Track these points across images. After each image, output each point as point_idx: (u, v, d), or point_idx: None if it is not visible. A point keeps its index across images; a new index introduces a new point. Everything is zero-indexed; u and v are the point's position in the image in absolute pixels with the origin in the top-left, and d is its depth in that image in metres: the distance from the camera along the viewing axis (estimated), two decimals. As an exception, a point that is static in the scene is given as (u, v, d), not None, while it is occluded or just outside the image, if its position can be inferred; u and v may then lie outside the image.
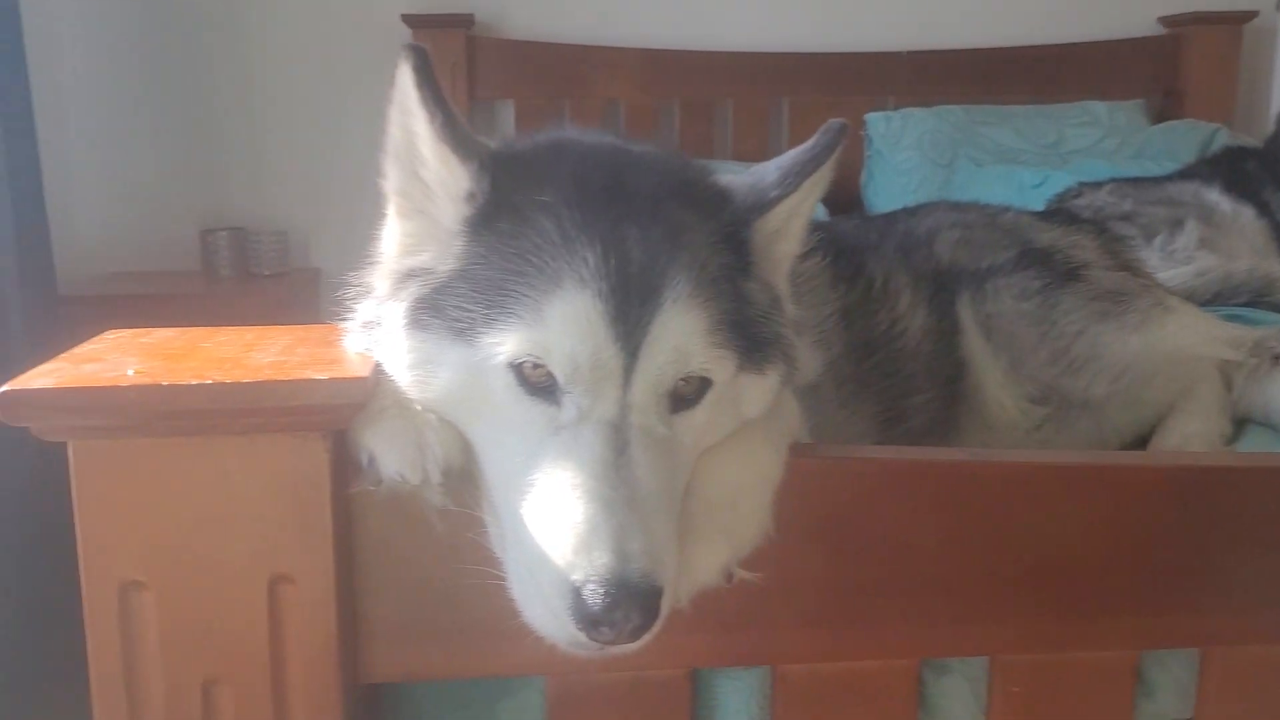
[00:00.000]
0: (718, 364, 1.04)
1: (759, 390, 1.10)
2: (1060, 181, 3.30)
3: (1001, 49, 4.07)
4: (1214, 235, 2.93)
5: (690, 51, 3.96)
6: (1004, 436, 1.73)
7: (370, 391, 1.03)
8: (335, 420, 1.01)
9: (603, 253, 1.00)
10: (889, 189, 3.73)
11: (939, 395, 1.70)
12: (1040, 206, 2.86)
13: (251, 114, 3.86)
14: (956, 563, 1.17)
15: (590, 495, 0.94)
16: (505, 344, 0.99)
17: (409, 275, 1.09)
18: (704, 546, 1.03)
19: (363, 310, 1.14)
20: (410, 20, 3.76)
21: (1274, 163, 3.31)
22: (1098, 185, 3.18)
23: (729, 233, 1.10)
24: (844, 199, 3.57)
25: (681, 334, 1.00)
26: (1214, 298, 2.52)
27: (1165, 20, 4.14)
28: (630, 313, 0.99)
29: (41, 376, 0.96)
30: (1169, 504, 1.21)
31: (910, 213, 1.99)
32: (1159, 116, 4.05)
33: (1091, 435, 1.78)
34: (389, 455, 1.01)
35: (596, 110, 3.91)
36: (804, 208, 1.17)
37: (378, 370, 1.06)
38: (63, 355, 1.05)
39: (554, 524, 0.95)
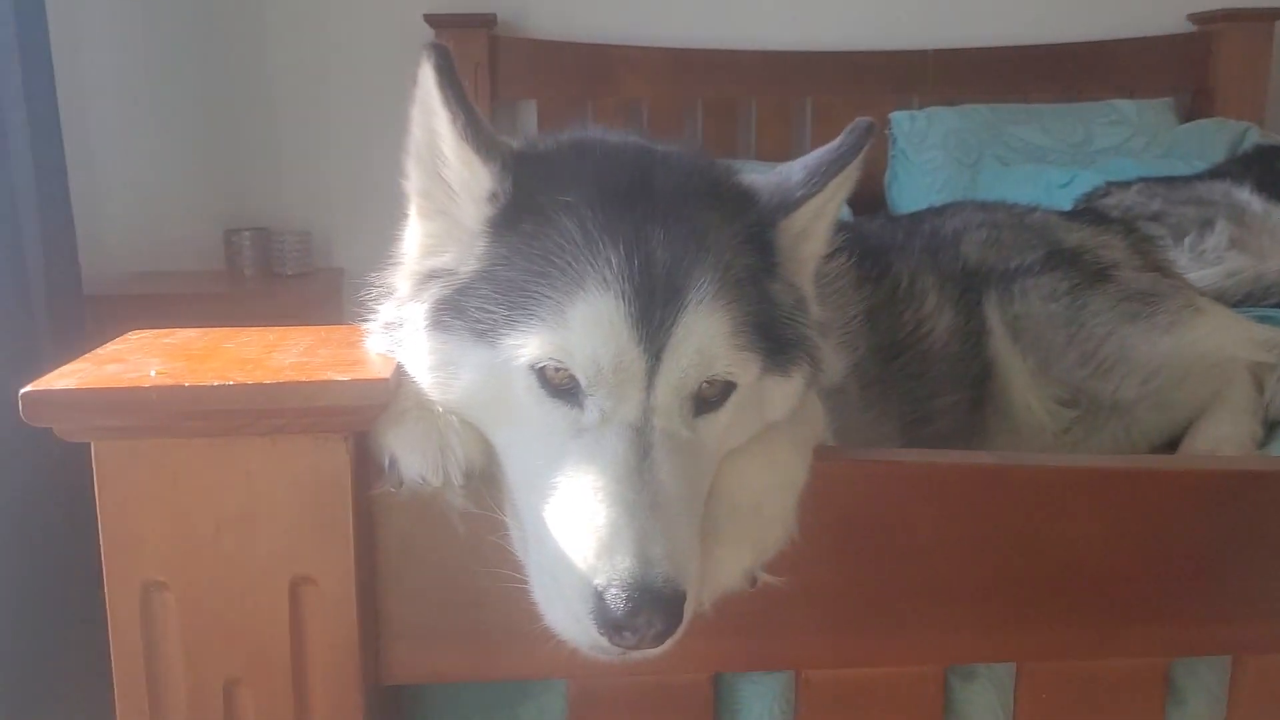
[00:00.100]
0: (742, 366, 1.02)
1: (783, 392, 1.09)
2: (1088, 181, 3.27)
3: (1028, 47, 4.04)
4: (1245, 235, 2.89)
5: (713, 50, 3.95)
6: (1031, 439, 1.71)
7: (392, 393, 1.02)
8: (357, 422, 1.00)
9: (626, 254, 0.99)
10: (913, 189, 3.70)
11: (965, 397, 1.69)
12: (1067, 206, 2.83)
13: (275, 114, 3.87)
14: (984, 568, 1.15)
15: (613, 499, 0.94)
16: (527, 346, 0.99)
17: (430, 276, 1.08)
18: (727, 550, 1.02)
19: (384, 311, 1.14)
20: (432, 20, 3.76)
21: (1306, 162, 3.27)
22: (1126, 185, 3.14)
23: (754, 233, 1.09)
24: (868, 199, 3.54)
25: (705, 336, 0.99)
26: (1245, 299, 2.49)
27: (1195, 17, 4.10)
28: (654, 314, 0.98)
29: (64, 377, 0.97)
30: (1200, 508, 1.19)
31: (936, 212, 1.98)
32: (1188, 115, 4.01)
33: (1120, 438, 1.76)
34: (410, 457, 1.01)
35: (619, 110, 3.90)
36: (830, 208, 1.15)
37: (399, 372, 1.06)
38: (85, 356, 1.05)
39: (576, 527, 0.94)
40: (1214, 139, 3.71)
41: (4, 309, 2.61)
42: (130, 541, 0.99)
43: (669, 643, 0.93)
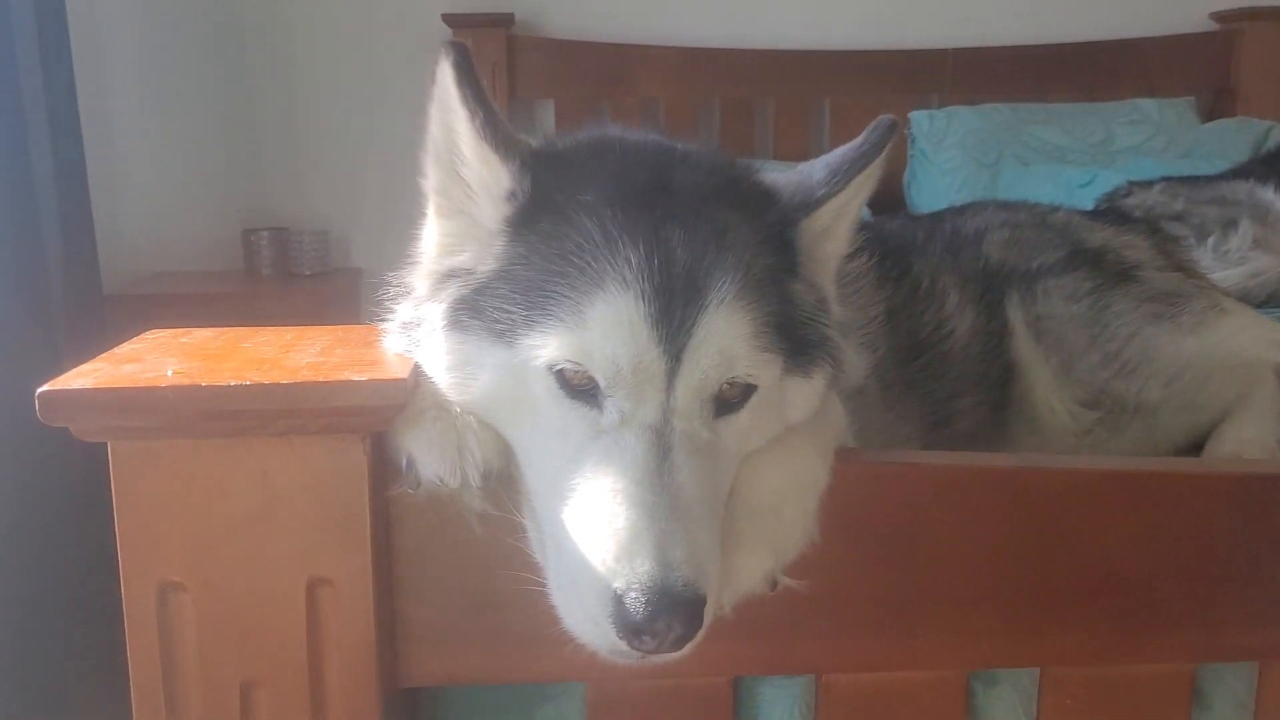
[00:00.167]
0: (763, 367, 1.01)
1: (804, 394, 1.08)
2: (1109, 180, 3.24)
3: (1048, 46, 4.01)
4: (1268, 235, 2.87)
5: (731, 50, 3.94)
6: (1054, 441, 1.69)
7: (409, 393, 1.02)
8: (374, 422, 1.00)
9: (646, 253, 0.98)
10: (932, 189, 3.68)
11: (987, 398, 1.67)
12: (1088, 206, 2.80)
13: (293, 114, 3.88)
14: (1008, 572, 1.14)
15: (632, 501, 0.93)
16: (546, 346, 0.98)
17: (448, 276, 1.08)
18: (747, 553, 1.01)
19: (402, 311, 1.13)
20: (450, 20, 3.77)
21: (1330, 162, 3.24)
22: (1148, 184, 3.12)
23: (775, 232, 1.08)
24: (887, 199, 3.52)
25: (726, 337, 0.98)
26: (1268, 299, 2.47)
27: (1217, 16, 4.07)
28: (674, 315, 0.97)
29: (81, 377, 0.96)
30: (1228, 512, 1.18)
31: (958, 212, 1.96)
32: (1209, 114, 3.99)
33: (1144, 440, 1.73)
34: (428, 458, 1.00)
35: (636, 109, 3.89)
36: (852, 207, 1.14)
37: (417, 372, 1.05)
38: (103, 355, 1.04)
39: (595, 530, 0.93)
40: (1237, 138, 3.68)
41: (24, 308, 2.62)
42: (147, 542, 0.99)
43: (689, 647, 0.92)
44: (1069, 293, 1.74)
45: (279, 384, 0.96)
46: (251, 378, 0.96)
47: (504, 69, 3.79)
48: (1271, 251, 2.80)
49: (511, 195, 1.05)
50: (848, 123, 3.84)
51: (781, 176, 1.16)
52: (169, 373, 0.98)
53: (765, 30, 3.98)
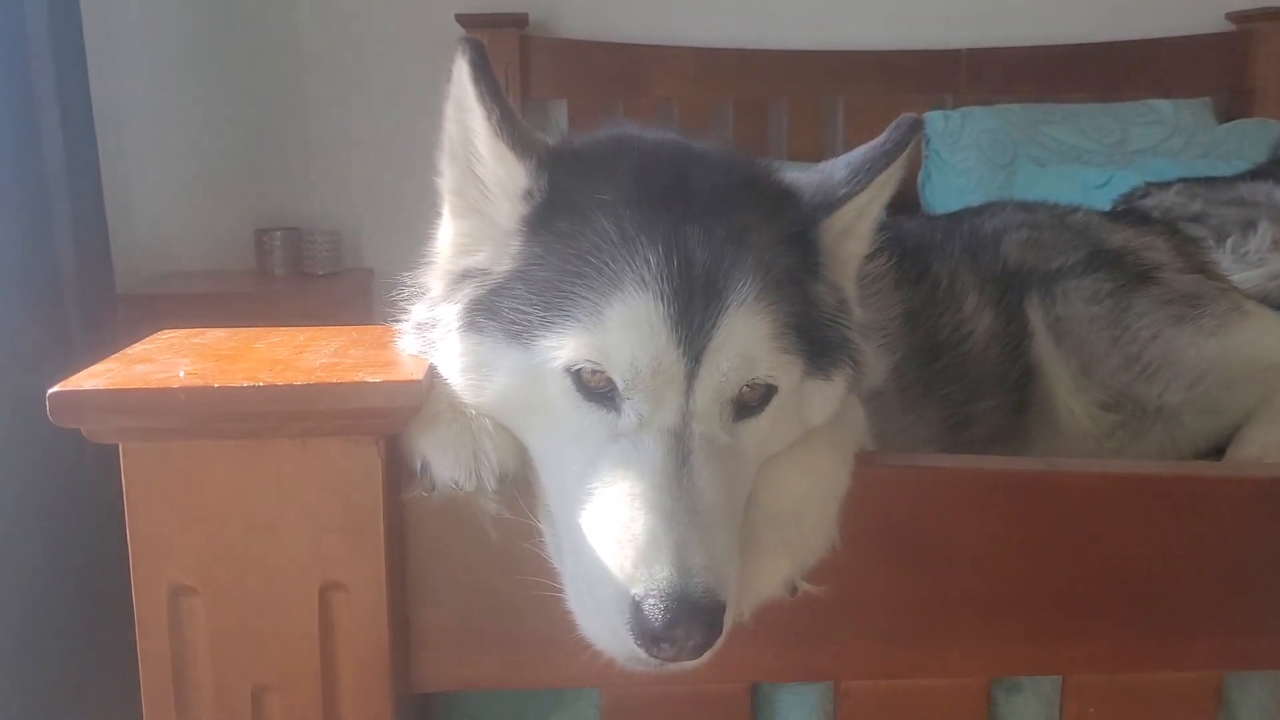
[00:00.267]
0: (783, 369, 1.00)
1: (825, 396, 1.07)
2: (1126, 181, 3.22)
3: (1063, 46, 3.99)
4: (1289, 237, 2.84)
5: (744, 50, 3.93)
6: (1074, 445, 1.67)
7: (424, 395, 1.01)
8: (388, 424, 0.99)
9: (665, 254, 0.97)
10: (947, 190, 3.67)
11: (1006, 401, 1.65)
12: (1105, 207, 2.78)
13: (306, 114, 3.88)
14: (1030, 577, 1.13)
15: (651, 506, 0.91)
16: (563, 348, 0.97)
17: (464, 276, 1.07)
18: (767, 559, 1.00)
19: (417, 311, 1.12)
20: (464, 20, 3.76)
21: (1350, 162, 3.22)
22: (1166, 185, 3.10)
23: (795, 232, 1.07)
24: (900, 200, 3.47)
25: (746, 339, 0.97)
26: (1289, 302, 2.44)
27: (1233, 16, 4.04)
28: (693, 316, 0.96)
29: (92, 377, 0.95)
30: (1254, 517, 1.17)
31: (976, 212, 1.94)
32: (1226, 115, 3.96)
33: (1165, 444, 1.72)
34: (443, 461, 0.99)
35: (650, 109, 3.88)
36: (873, 207, 1.13)
37: (432, 373, 1.04)
38: (114, 356, 1.04)
39: (613, 535, 0.92)
40: (1255, 139, 3.66)
41: (37, 308, 2.62)
42: (158, 545, 0.98)
43: (708, 655, 0.91)
44: (1089, 294, 1.72)
45: (293, 385, 0.95)
46: (265, 379, 0.95)
47: (517, 69, 3.78)
48: (1291, 253, 2.77)
49: (528, 194, 1.04)
50: (862, 123, 3.82)
51: (802, 176, 1.14)
52: (181, 374, 0.97)
53: (779, 31, 3.97)
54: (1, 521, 2.38)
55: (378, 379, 0.97)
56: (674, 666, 0.91)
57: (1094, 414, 1.69)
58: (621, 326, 0.95)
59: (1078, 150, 3.68)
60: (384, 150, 3.81)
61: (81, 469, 2.50)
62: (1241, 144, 3.64)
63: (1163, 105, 3.83)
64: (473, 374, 1.03)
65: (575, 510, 0.95)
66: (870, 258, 1.26)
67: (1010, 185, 3.55)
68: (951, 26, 3.99)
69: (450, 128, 1.07)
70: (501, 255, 1.04)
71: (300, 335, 1.14)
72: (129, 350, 1.07)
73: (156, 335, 1.14)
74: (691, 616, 0.87)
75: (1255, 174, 3.21)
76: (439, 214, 1.14)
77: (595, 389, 0.97)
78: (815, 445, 1.07)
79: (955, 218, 1.94)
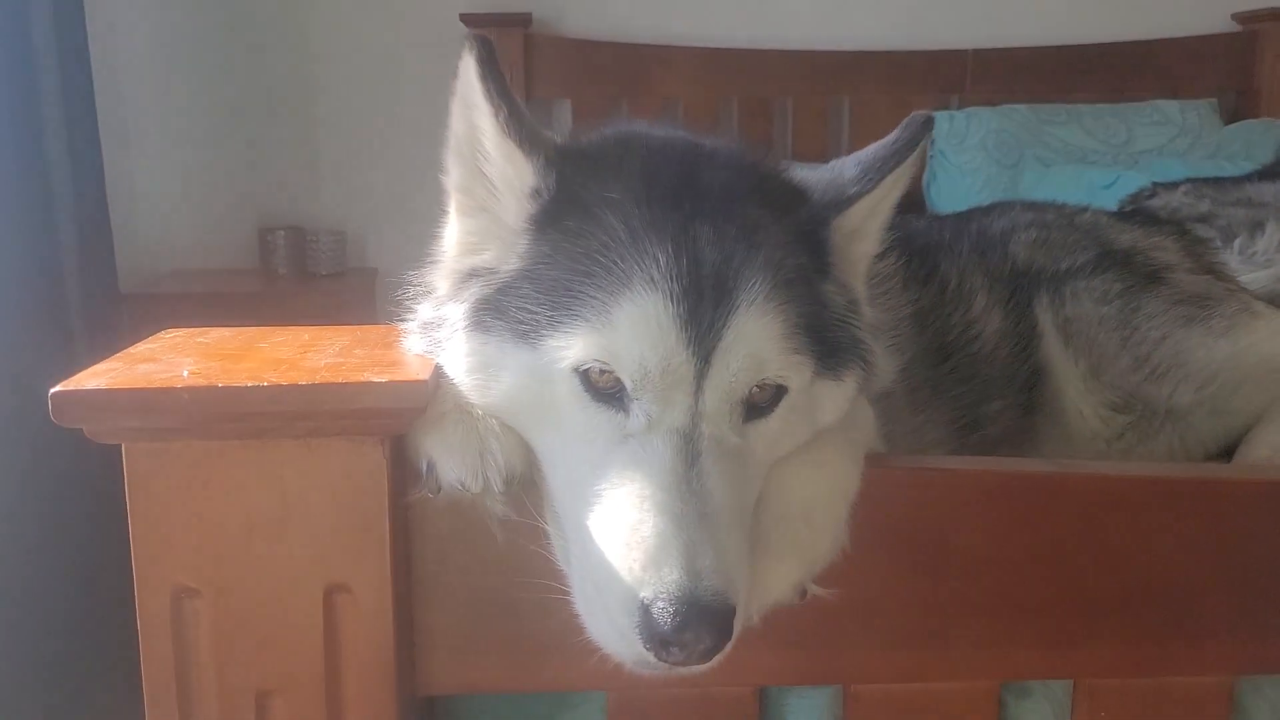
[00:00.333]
0: (794, 370, 0.99)
1: (835, 397, 1.06)
2: (1132, 182, 3.21)
3: (1069, 47, 3.98)
4: (1296, 238, 2.82)
5: (749, 50, 3.92)
6: (1083, 447, 1.66)
7: (430, 395, 1.00)
8: (394, 425, 0.98)
9: (674, 252, 0.96)
10: (952, 190, 3.66)
11: (1015, 402, 1.64)
12: (1112, 208, 2.77)
13: (310, 114, 3.87)
14: (1042, 580, 1.12)
15: (660, 508, 0.90)
16: (571, 348, 0.96)
17: (470, 275, 1.06)
18: (776, 562, 0.99)
19: (422, 311, 1.12)
20: (468, 19, 3.75)
21: (1359, 163, 3.20)
22: (1173, 185, 3.08)
23: (806, 231, 1.06)
24: (905, 200, 3.45)
25: (757, 339, 0.96)
26: (1297, 303, 2.42)
27: (1239, 17, 4.03)
28: (703, 316, 0.95)
29: (95, 377, 0.94)
30: (1266, 520, 1.16)
31: (984, 211, 1.93)
32: (1232, 116, 3.95)
33: (1174, 446, 1.71)
34: (449, 462, 0.98)
35: (654, 109, 3.87)
36: (884, 206, 1.12)
37: (438, 373, 1.03)
38: (117, 355, 1.03)
39: (621, 537, 0.91)
40: (1261, 140, 3.65)
41: (40, 307, 2.61)
42: (161, 546, 0.97)
43: (717, 659, 0.90)
44: (1099, 295, 1.71)
45: (297, 385, 0.94)
46: (269, 379, 0.94)
47: (521, 69, 3.77)
48: (1299, 254, 2.76)
49: (536, 192, 1.03)
50: (867, 124, 3.82)
51: (812, 174, 1.14)
52: (185, 373, 0.96)
53: (784, 30, 3.96)
54: (3, 522, 2.37)
55: (383, 379, 0.96)
56: (683, 670, 0.90)
57: (1103, 415, 1.68)
58: (630, 326, 0.94)
59: (1084, 151, 3.67)
60: (388, 150, 3.81)
61: (84, 469, 2.49)
62: (1248, 144, 3.63)
63: (1169, 106, 3.82)
64: (479, 374, 1.02)
65: (583, 512, 0.94)
66: (879, 257, 1.25)
67: (1016, 186, 3.54)
68: (957, 26, 3.98)
69: (457, 125, 1.06)
70: (509, 254, 1.03)
71: (305, 335, 1.13)
72: (132, 349, 1.06)
73: (160, 334, 1.13)
74: (701, 620, 0.86)
75: (1263, 174, 3.20)
76: (445, 212, 1.13)
77: (603, 389, 0.96)
78: (825, 447, 1.06)
79: (963, 217, 1.93)
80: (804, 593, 1.02)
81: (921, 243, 1.70)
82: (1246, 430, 1.72)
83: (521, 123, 1.02)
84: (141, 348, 1.07)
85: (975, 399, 1.60)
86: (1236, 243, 2.82)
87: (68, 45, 2.78)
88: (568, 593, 0.98)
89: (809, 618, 1.05)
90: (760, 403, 0.99)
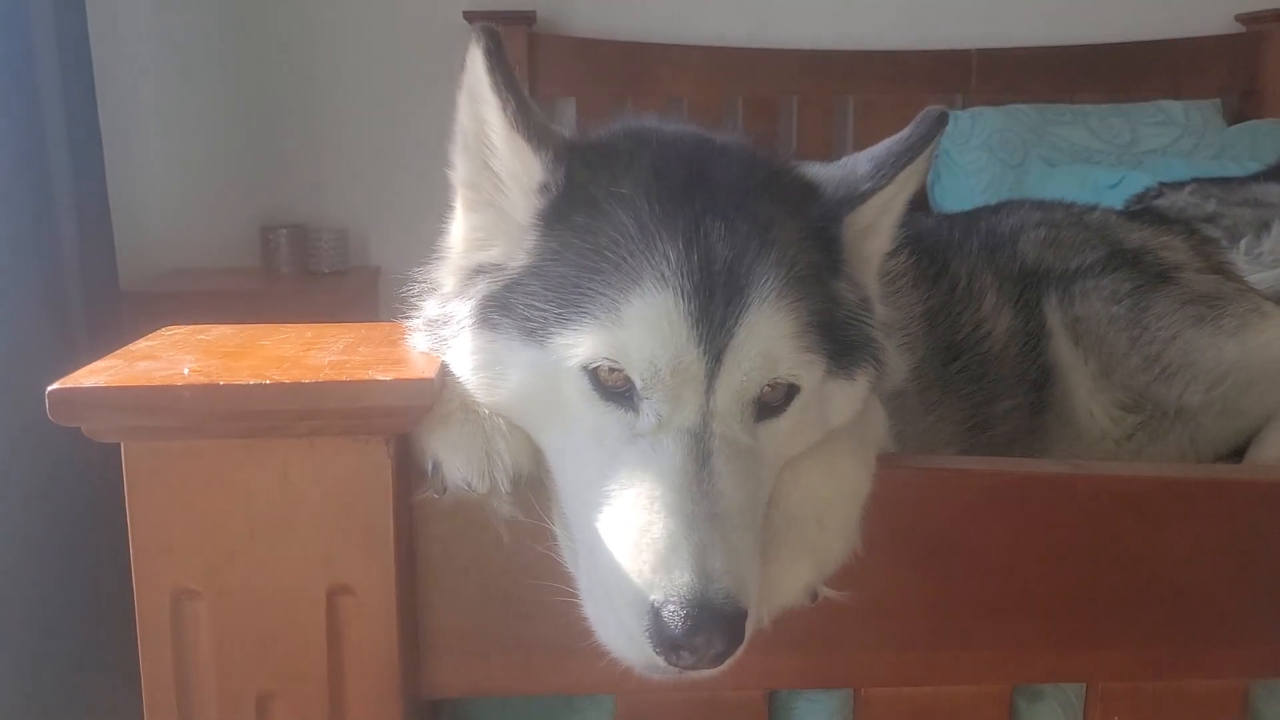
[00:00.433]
0: (806, 369, 0.98)
1: (847, 396, 1.05)
2: (1138, 182, 3.20)
3: (1073, 47, 3.97)
4: (1303, 238, 2.81)
5: (754, 49, 3.90)
6: (1093, 447, 1.66)
7: (436, 394, 0.98)
8: (399, 424, 0.96)
9: (685, 249, 0.94)
10: (957, 190, 3.65)
11: (1025, 401, 1.63)
12: (1118, 208, 2.76)
13: (312, 112, 3.86)
14: (1055, 582, 1.11)
15: (670, 509, 0.89)
16: (580, 346, 0.94)
17: (477, 271, 1.04)
18: (788, 564, 0.97)
19: (428, 308, 1.10)
20: (471, 17, 3.73)
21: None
22: (1179, 185, 3.07)
23: (818, 228, 1.04)
24: (911, 199, 3.47)
25: (769, 337, 0.95)
26: (1302, 303, 2.41)
27: (1244, 18, 4.03)
28: (714, 314, 0.93)
29: (94, 374, 0.93)
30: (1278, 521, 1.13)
31: (993, 210, 1.92)
32: (1236, 116, 3.94)
33: (1184, 446, 1.70)
34: (455, 461, 0.97)
35: (659, 108, 3.85)
36: (897, 202, 1.11)
37: (444, 371, 1.02)
38: (117, 352, 1.02)
39: (631, 539, 0.89)
40: (1267, 140, 3.65)
41: (40, 304, 2.60)
42: (161, 547, 0.96)
43: (728, 663, 0.89)
44: (1108, 294, 1.70)
45: (300, 383, 0.92)
46: (272, 377, 0.93)
47: (525, 67, 3.75)
48: (1305, 255, 2.75)
49: (544, 187, 1.02)
50: (872, 122, 3.81)
51: (824, 170, 1.12)
52: (185, 371, 0.95)
53: (789, 29, 3.95)
54: (4, 521, 2.36)
55: (388, 377, 0.94)
56: (693, 675, 0.89)
57: (1114, 415, 1.67)
58: (640, 323, 0.93)
59: (1088, 151, 3.67)
60: (391, 147, 3.79)
61: (85, 468, 2.48)
62: (1252, 145, 3.63)
63: (1173, 106, 3.82)
64: (486, 372, 1.00)
65: (591, 513, 0.93)
66: (890, 255, 1.23)
67: (1021, 186, 3.53)
68: (962, 26, 3.97)
69: (464, 119, 1.04)
70: (516, 250, 1.02)
71: (308, 332, 1.12)
72: (131, 347, 1.05)
73: (160, 332, 1.12)
74: (712, 623, 0.85)
75: (1268, 174, 3.19)
76: (451, 208, 1.12)
77: (613, 388, 0.95)
78: (837, 447, 1.05)
79: (973, 216, 1.92)
80: (815, 595, 1.00)
81: (931, 241, 1.69)
82: (1257, 431, 1.71)
83: (530, 116, 1.01)
84: (141, 345, 1.06)
85: (985, 398, 1.59)
86: (1242, 243, 2.81)
87: (68, 41, 2.77)
88: (575, 595, 0.97)
89: (819, 620, 1.03)
90: (772, 402, 0.98)
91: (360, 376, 0.94)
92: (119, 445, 0.94)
